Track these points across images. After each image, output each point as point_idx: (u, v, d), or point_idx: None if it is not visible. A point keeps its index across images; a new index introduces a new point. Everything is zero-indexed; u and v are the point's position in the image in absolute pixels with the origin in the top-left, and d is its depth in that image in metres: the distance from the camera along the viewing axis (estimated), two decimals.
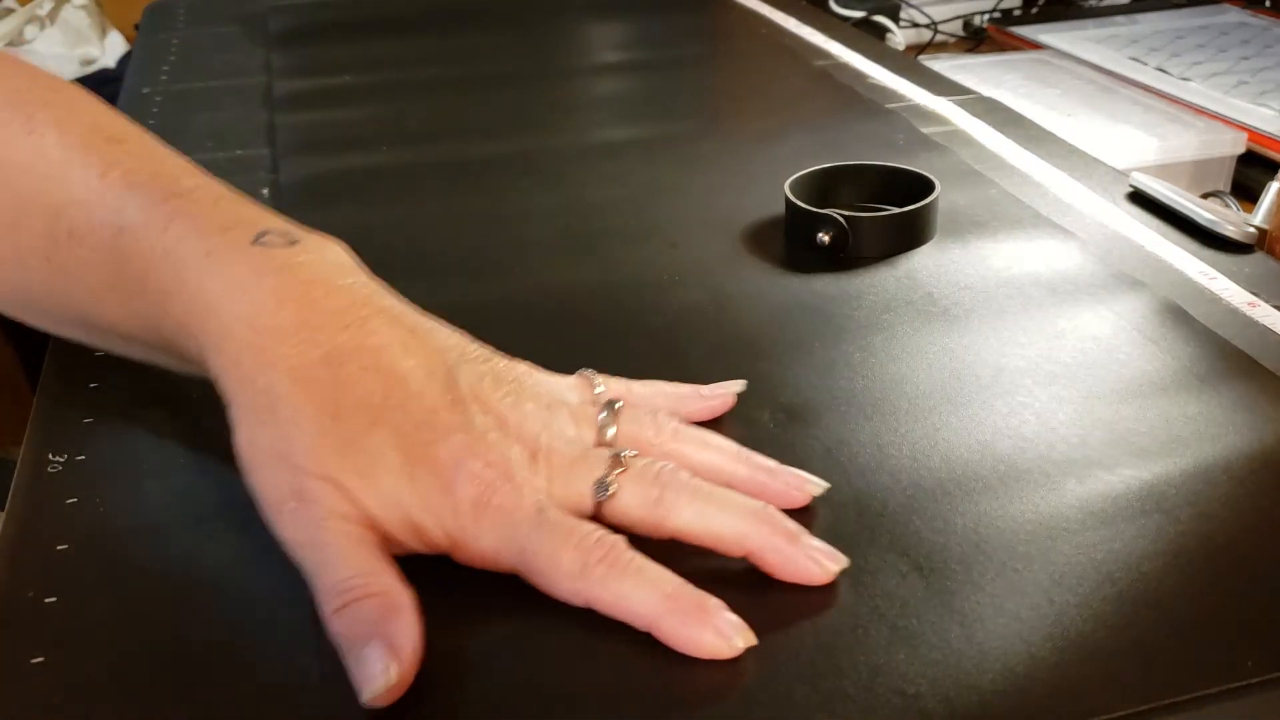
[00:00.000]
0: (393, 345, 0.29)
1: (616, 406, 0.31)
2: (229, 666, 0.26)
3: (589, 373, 0.33)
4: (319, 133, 0.59)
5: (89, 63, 1.15)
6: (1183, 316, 0.39)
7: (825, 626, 0.26)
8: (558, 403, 0.31)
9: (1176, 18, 0.97)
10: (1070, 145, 0.55)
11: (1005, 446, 0.32)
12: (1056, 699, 0.24)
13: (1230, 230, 0.44)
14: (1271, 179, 0.49)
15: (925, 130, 0.57)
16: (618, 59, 0.73)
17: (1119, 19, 0.97)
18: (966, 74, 0.81)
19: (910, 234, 0.45)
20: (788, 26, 0.76)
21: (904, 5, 0.97)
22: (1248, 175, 0.73)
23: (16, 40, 1.14)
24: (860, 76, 0.65)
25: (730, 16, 0.80)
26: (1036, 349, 0.37)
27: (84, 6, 1.17)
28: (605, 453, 0.29)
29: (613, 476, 0.29)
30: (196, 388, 0.37)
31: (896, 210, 0.45)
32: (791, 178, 0.46)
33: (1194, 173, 0.72)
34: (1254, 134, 0.72)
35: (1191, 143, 0.72)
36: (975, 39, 0.99)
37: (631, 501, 0.28)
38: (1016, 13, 1.01)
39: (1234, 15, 0.97)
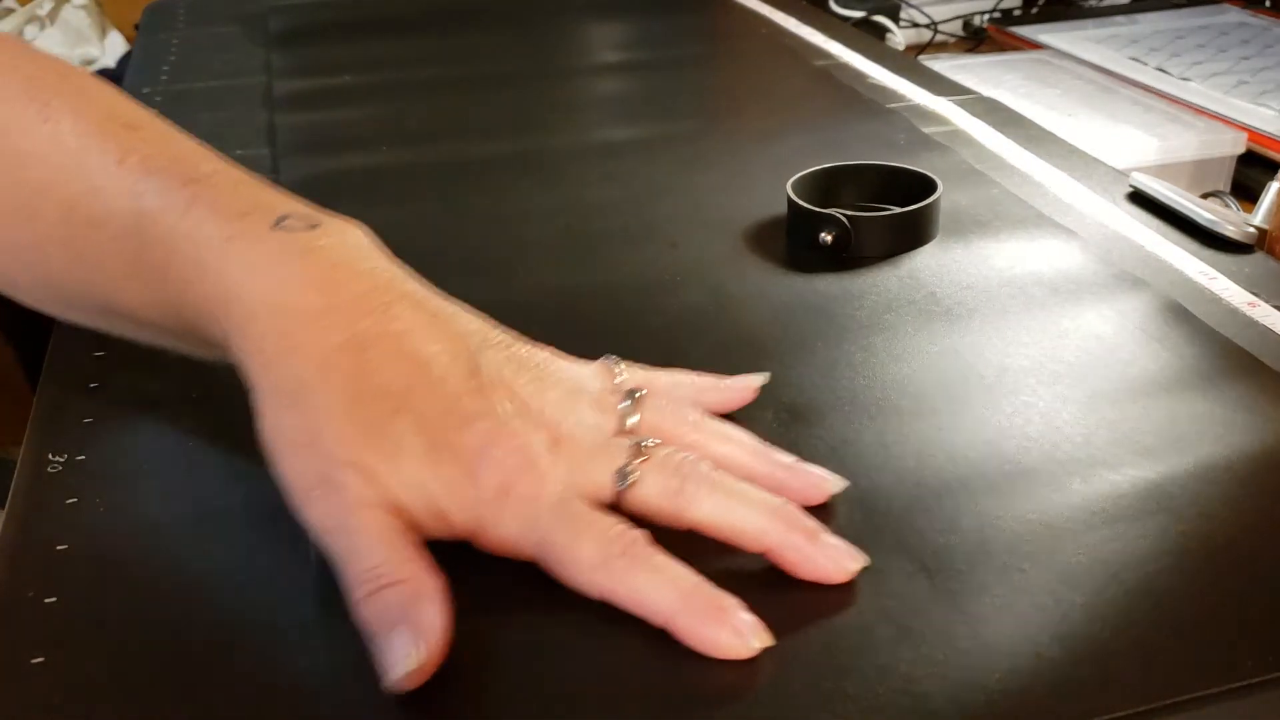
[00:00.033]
0: (416, 331, 0.29)
1: (638, 395, 0.31)
2: (229, 666, 0.26)
3: (611, 359, 0.33)
4: (319, 133, 0.59)
5: (89, 63, 1.15)
6: (1185, 316, 0.39)
7: (831, 626, 0.26)
8: (579, 390, 0.31)
9: (1176, 18, 0.97)
10: (1070, 145, 0.55)
11: (1010, 446, 0.32)
12: (1063, 698, 0.24)
13: (1230, 230, 0.44)
14: (1271, 179, 0.49)
15: (925, 130, 0.57)
16: (618, 59, 0.73)
17: (1119, 19, 0.97)
18: (966, 74, 0.81)
19: (912, 234, 0.45)
20: (788, 26, 0.76)
21: (904, 5, 0.97)
22: (1248, 175, 0.73)
23: None
24: (860, 76, 0.65)
25: (730, 16, 0.80)
26: (1040, 348, 0.37)
27: (84, 6, 1.17)
28: (626, 441, 0.29)
29: (634, 465, 0.29)
30: (196, 388, 0.37)
31: (899, 210, 0.45)
32: (793, 177, 0.46)
33: (1194, 173, 0.72)
34: (1254, 134, 0.72)
35: (1191, 143, 0.72)
36: (975, 39, 0.98)
37: (652, 491, 0.28)
38: (1016, 13, 1.01)
39: (1234, 15, 0.97)
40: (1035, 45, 0.92)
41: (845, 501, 0.30)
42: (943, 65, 0.82)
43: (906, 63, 0.69)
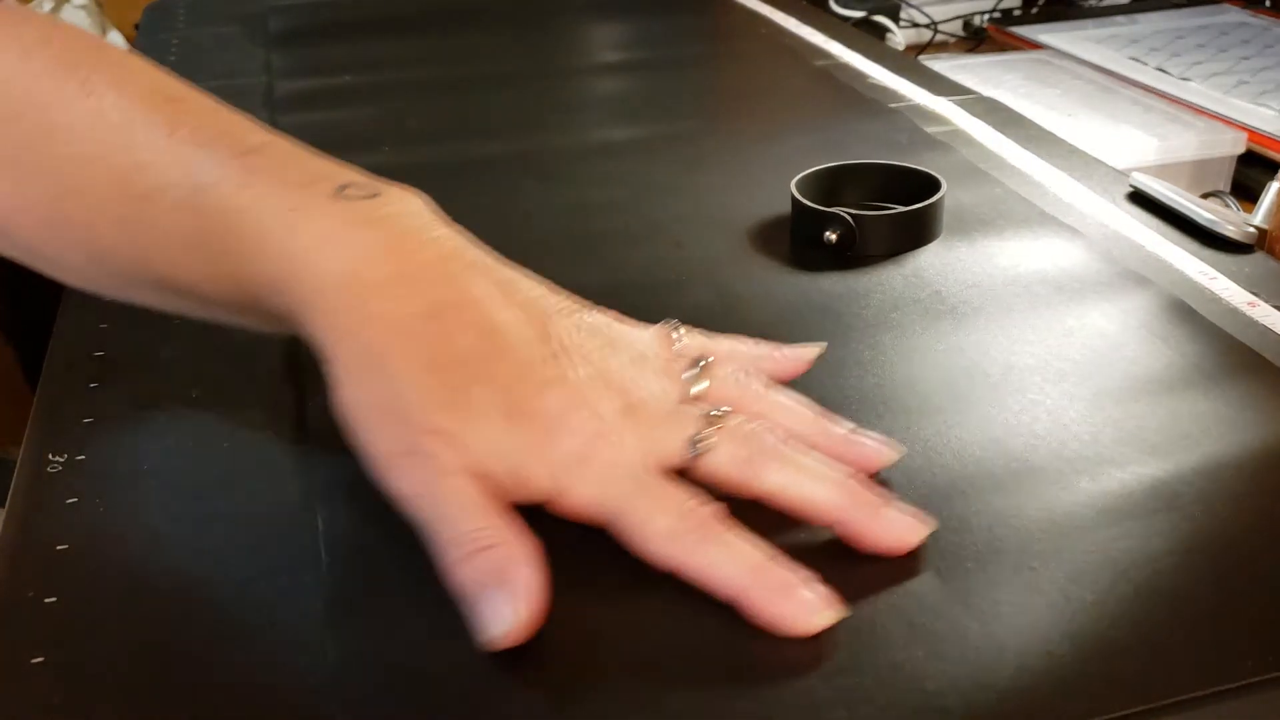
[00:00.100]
0: (488, 298, 0.29)
1: (703, 363, 0.31)
2: (229, 666, 0.26)
3: (671, 323, 0.33)
4: (319, 133, 0.58)
5: None
6: (1189, 314, 0.39)
7: (843, 623, 0.26)
8: (644, 356, 0.31)
9: (1176, 18, 0.97)
10: (1070, 145, 0.55)
11: (1017, 444, 0.32)
12: (1073, 696, 0.24)
13: (1230, 230, 0.44)
14: (1271, 179, 0.49)
15: (925, 130, 0.56)
16: (618, 59, 0.73)
17: (1119, 19, 0.97)
18: (966, 74, 0.81)
19: (917, 232, 0.45)
20: (788, 26, 0.75)
21: (904, 5, 0.97)
22: (1248, 175, 0.73)
23: None
24: (860, 76, 0.65)
25: (730, 16, 0.80)
26: (1045, 346, 0.37)
27: (84, 6, 1.16)
28: (697, 410, 0.30)
29: (706, 434, 0.29)
30: (197, 387, 0.37)
31: (903, 209, 0.45)
32: (797, 177, 0.46)
33: (1194, 173, 0.72)
34: (1254, 134, 0.72)
35: (1191, 143, 0.72)
36: (975, 39, 0.99)
37: (723, 460, 0.29)
38: (1016, 13, 1.01)
39: (1234, 15, 0.98)
40: (1035, 45, 0.92)
41: None
42: (943, 65, 0.82)
43: (907, 63, 0.69)
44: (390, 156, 0.55)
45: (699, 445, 0.29)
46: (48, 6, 1.15)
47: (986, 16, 0.99)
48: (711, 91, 0.68)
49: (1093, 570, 0.27)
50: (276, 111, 0.61)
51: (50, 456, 0.33)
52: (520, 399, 0.28)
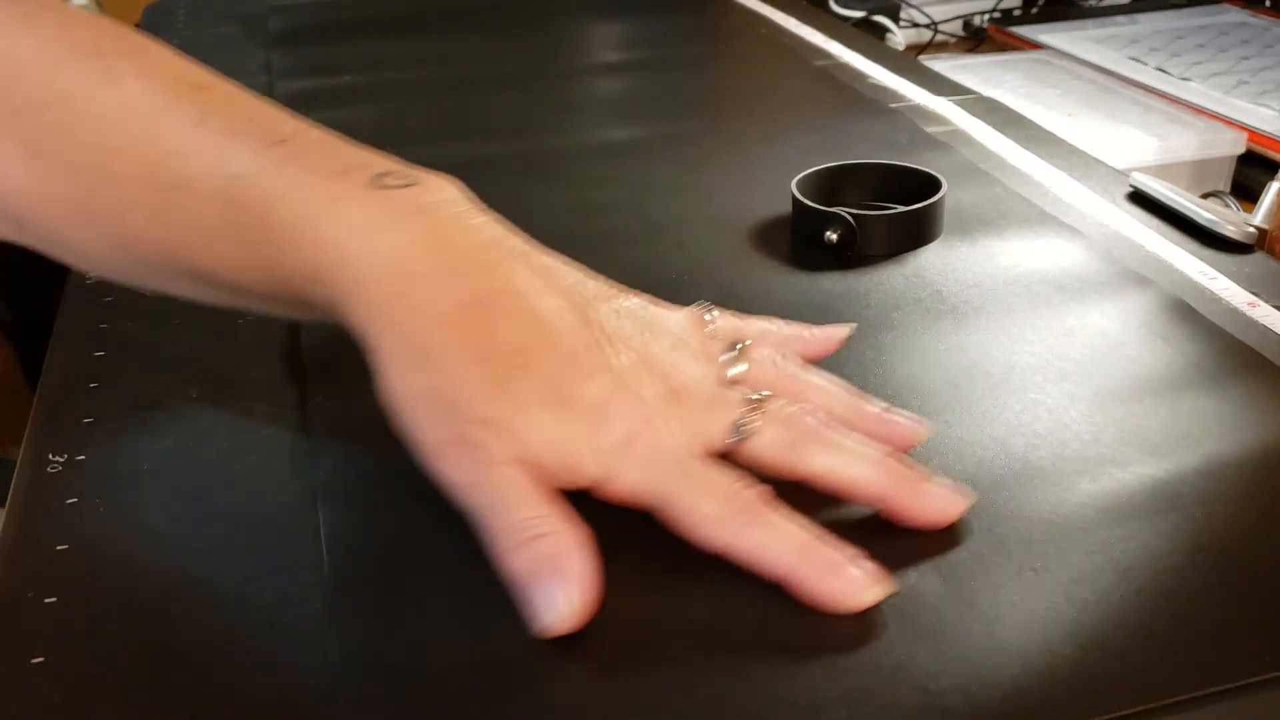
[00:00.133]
0: (531, 287, 0.30)
1: (740, 346, 0.32)
2: (229, 666, 0.26)
3: (703, 305, 0.34)
4: None
5: None
6: (1189, 313, 0.39)
7: (846, 622, 0.26)
8: (682, 340, 0.32)
9: (1176, 18, 0.97)
10: (1070, 145, 0.55)
11: (1019, 444, 0.32)
12: (1076, 695, 0.24)
13: (1230, 230, 0.44)
14: (1272, 179, 0.49)
15: (925, 130, 0.56)
16: (618, 59, 0.73)
17: (1119, 19, 0.97)
18: (966, 74, 0.81)
19: (917, 232, 0.45)
20: (788, 26, 0.75)
21: (904, 5, 0.97)
22: (1248, 175, 0.73)
23: None
24: (860, 76, 0.65)
25: (730, 16, 0.80)
26: (1046, 346, 0.37)
27: (84, 6, 1.16)
28: (738, 394, 0.30)
29: (749, 419, 0.29)
30: (196, 387, 0.37)
31: (904, 208, 0.45)
32: (798, 176, 0.46)
33: (1194, 173, 0.72)
34: (1254, 134, 0.72)
35: (1191, 143, 0.72)
36: (975, 39, 0.99)
37: (766, 444, 0.29)
38: (1016, 13, 1.01)
39: (1234, 15, 0.98)
40: (1035, 45, 0.92)
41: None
42: (943, 65, 0.82)
43: (907, 63, 0.69)
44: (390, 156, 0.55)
45: (742, 430, 0.29)
46: None
47: (986, 16, 0.99)
48: (711, 91, 0.68)
49: (1094, 570, 0.27)
50: None
51: (50, 456, 0.33)
52: (566, 387, 0.29)
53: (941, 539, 0.29)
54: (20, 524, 0.31)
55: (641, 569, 0.28)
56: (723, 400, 0.30)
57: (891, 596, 0.27)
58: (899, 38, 0.95)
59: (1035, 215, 0.47)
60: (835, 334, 0.36)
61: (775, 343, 0.34)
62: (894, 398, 0.35)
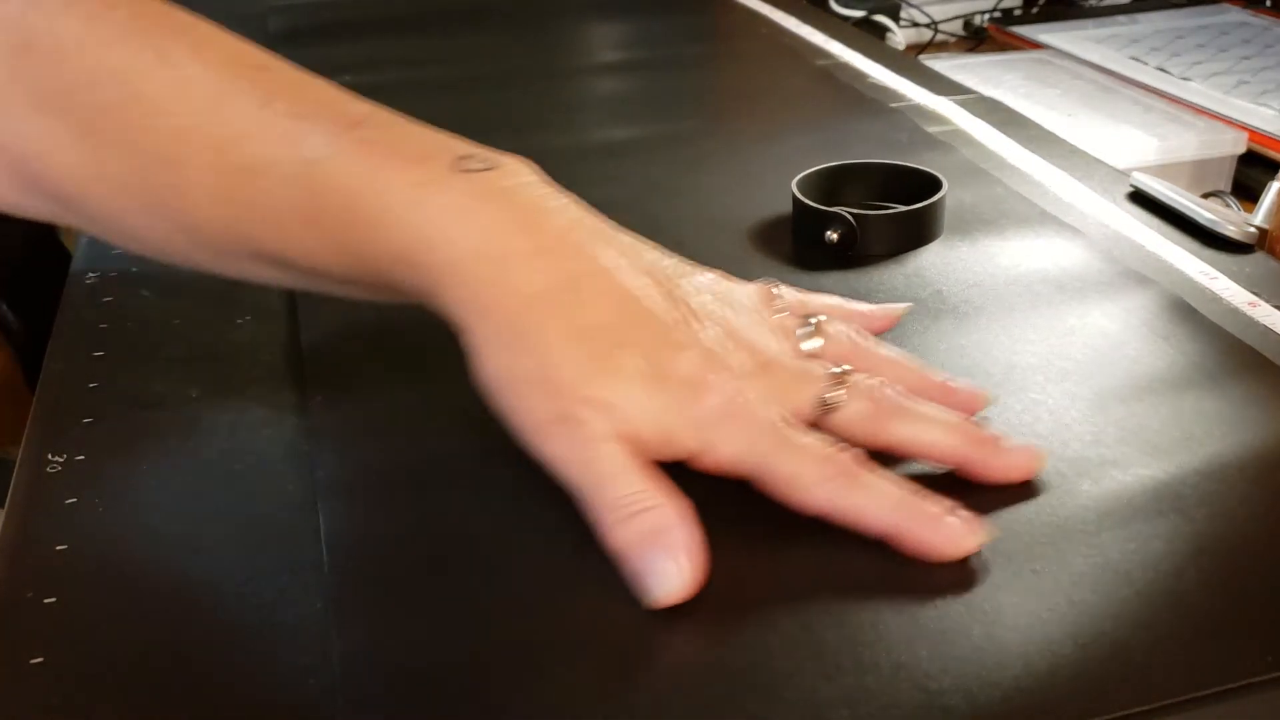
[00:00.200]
0: (618, 266, 0.31)
1: (815, 322, 0.33)
2: (229, 666, 0.26)
3: (770, 281, 0.35)
4: None
5: None
6: (1190, 313, 0.39)
7: (847, 622, 0.26)
8: (758, 314, 0.33)
9: (1177, 17, 0.97)
10: (1071, 145, 0.55)
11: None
12: (1076, 695, 0.24)
13: (1231, 230, 0.44)
14: (1272, 179, 0.49)
15: (926, 130, 0.56)
16: (618, 59, 0.73)
17: (1119, 19, 0.97)
18: (967, 74, 0.81)
19: (918, 232, 0.44)
20: (788, 26, 0.75)
21: (904, 5, 0.97)
22: (1248, 175, 0.73)
23: None
24: (861, 76, 0.65)
25: (731, 16, 0.80)
26: (1047, 345, 0.37)
27: None
28: (822, 367, 0.31)
29: (834, 393, 0.30)
30: (196, 387, 0.37)
31: (905, 208, 0.45)
32: (798, 176, 0.46)
33: (1194, 173, 0.72)
34: (1254, 134, 0.72)
35: (1192, 143, 0.72)
36: (975, 39, 0.99)
37: (851, 416, 0.30)
38: (1017, 12, 1.01)
39: (1234, 15, 0.98)
40: (1035, 45, 0.92)
41: None
42: (943, 65, 0.82)
43: (907, 62, 0.69)
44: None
45: (829, 403, 0.30)
46: None
47: (987, 16, 0.99)
48: (712, 91, 0.68)
49: (1094, 571, 0.27)
50: None
51: (50, 456, 0.33)
52: (661, 362, 0.29)
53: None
54: (20, 524, 0.31)
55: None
56: (808, 374, 0.31)
57: (892, 596, 0.27)
58: (899, 37, 0.95)
59: (1036, 215, 0.47)
60: (893, 311, 0.38)
61: (842, 318, 0.35)
62: None
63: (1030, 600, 0.27)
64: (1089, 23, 0.96)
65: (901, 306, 0.38)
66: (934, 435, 0.31)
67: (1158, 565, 0.28)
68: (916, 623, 0.26)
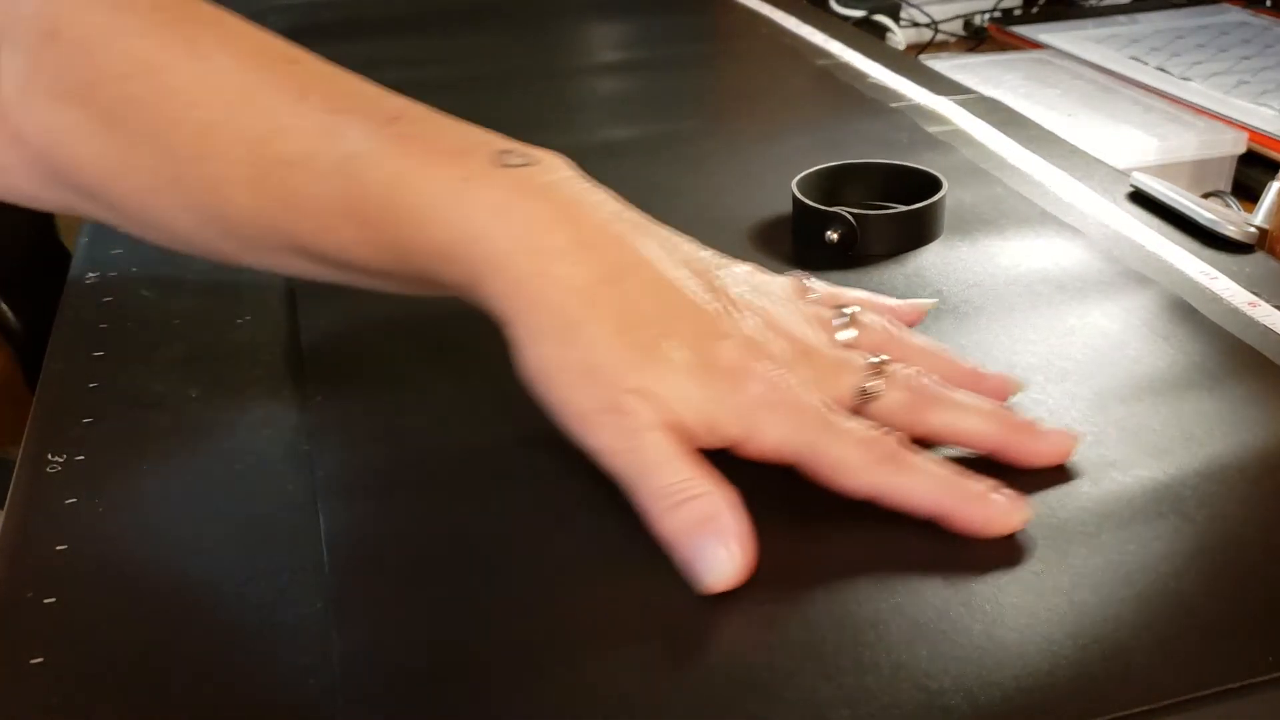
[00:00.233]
0: (658, 258, 0.31)
1: (849, 312, 0.34)
2: (229, 666, 0.26)
3: (801, 275, 0.36)
4: None
5: None
6: (1191, 313, 0.39)
7: (848, 623, 0.26)
8: (795, 305, 0.33)
9: (1177, 17, 0.97)
10: (1071, 145, 0.55)
11: None
12: (1077, 695, 0.24)
13: (1231, 230, 0.44)
14: (1272, 179, 0.49)
15: (926, 130, 0.56)
16: (618, 59, 0.73)
17: (1119, 19, 0.97)
18: (967, 73, 0.81)
19: (918, 232, 0.44)
20: (788, 26, 0.75)
21: (904, 4, 0.97)
22: (1248, 175, 0.73)
23: None
24: (861, 76, 0.65)
25: (731, 16, 0.80)
26: (1047, 345, 0.37)
27: None
28: (861, 357, 0.32)
29: (873, 382, 0.31)
30: (196, 387, 0.37)
31: (904, 208, 0.45)
32: (798, 176, 0.46)
33: (1194, 173, 0.72)
34: (1254, 134, 0.73)
35: (1192, 143, 0.72)
36: (976, 38, 0.99)
37: (890, 405, 0.31)
38: (1017, 12, 1.01)
39: (1234, 15, 0.98)
40: (1035, 45, 0.92)
41: (856, 500, 0.30)
42: (943, 65, 0.82)
43: (907, 62, 0.69)
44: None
45: (869, 392, 0.31)
46: None
47: (987, 16, 0.99)
48: (712, 91, 0.68)
49: (1095, 572, 0.27)
50: None
51: (50, 456, 0.33)
52: (704, 351, 0.30)
53: (943, 539, 0.29)
54: (20, 524, 0.31)
55: (639, 567, 0.28)
56: (848, 363, 0.31)
57: (893, 596, 0.27)
58: (899, 37, 0.95)
59: (1036, 215, 0.47)
60: (921, 305, 0.38)
61: (875, 310, 0.35)
62: None
63: (1030, 600, 0.27)
64: (1089, 23, 0.96)
65: (928, 301, 0.39)
66: (971, 422, 0.31)
67: (1158, 566, 0.28)
68: (916, 623, 0.26)
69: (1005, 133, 0.56)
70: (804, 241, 0.45)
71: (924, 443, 0.31)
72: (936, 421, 0.31)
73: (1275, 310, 0.39)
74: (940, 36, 0.98)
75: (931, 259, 0.43)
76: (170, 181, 0.33)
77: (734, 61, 0.73)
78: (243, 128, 0.32)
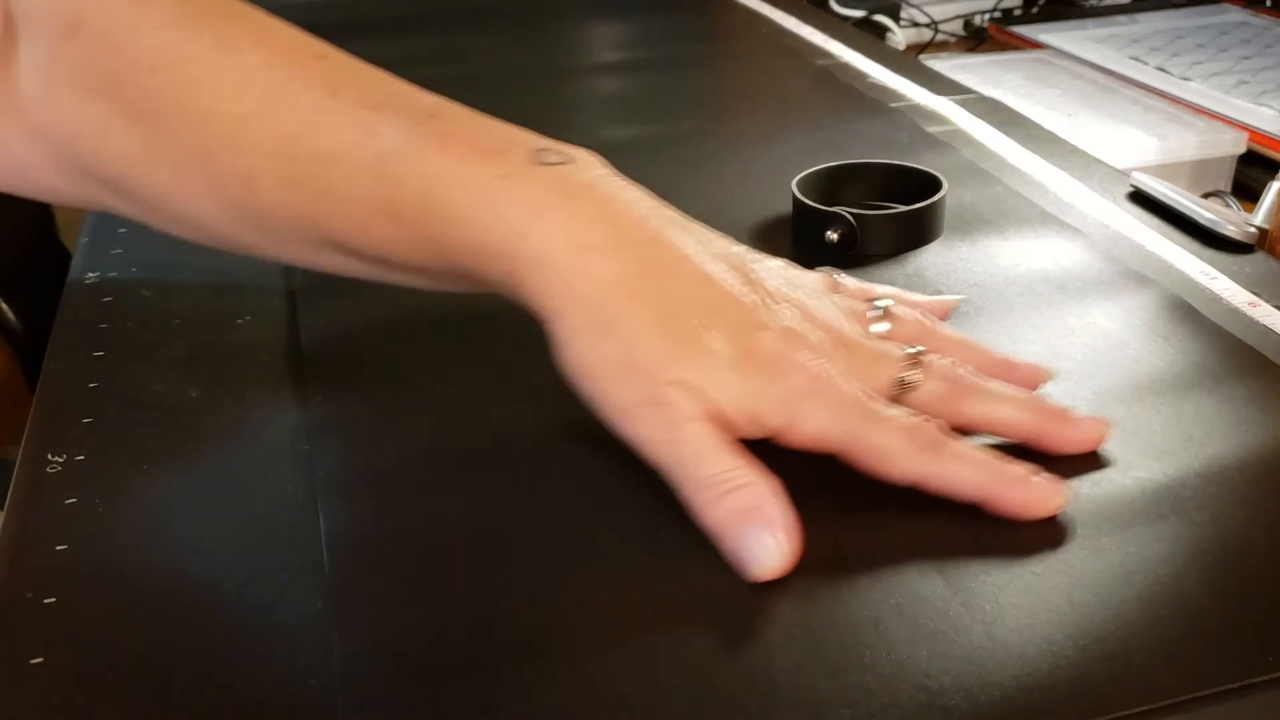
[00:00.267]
0: (695, 253, 0.31)
1: (882, 305, 0.34)
2: (229, 666, 0.26)
3: (831, 271, 0.36)
4: None
5: None
6: (1191, 313, 0.39)
7: (848, 623, 0.26)
8: (828, 298, 0.34)
9: (1177, 17, 0.97)
10: (1071, 145, 0.55)
11: (1020, 445, 0.32)
12: (1077, 695, 0.24)
13: (1231, 230, 0.44)
14: (1272, 179, 0.49)
15: (926, 130, 0.56)
16: (618, 59, 0.73)
17: (1119, 18, 0.97)
18: (967, 74, 0.81)
19: (918, 232, 0.44)
20: (788, 26, 0.75)
21: (904, 4, 0.97)
22: (1248, 175, 0.73)
23: None
24: (861, 76, 0.65)
25: (731, 16, 0.80)
26: (1047, 345, 0.37)
27: None
28: (898, 349, 0.32)
29: (911, 373, 0.31)
30: (196, 387, 0.37)
31: (904, 208, 0.45)
32: (798, 176, 0.46)
33: (1194, 173, 0.72)
34: (1254, 134, 0.72)
35: (1192, 142, 0.72)
36: (976, 38, 0.99)
37: (927, 396, 0.31)
38: (1017, 12, 1.01)
39: (1234, 15, 0.98)
40: (1036, 45, 0.92)
41: (856, 500, 0.30)
42: (943, 65, 0.82)
43: (907, 62, 0.69)
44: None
45: (907, 383, 0.31)
46: None
47: (987, 16, 0.99)
48: (712, 91, 0.68)
49: (1095, 573, 0.27)
50: None
51: (50, 456, 0.33)
52: (745, 343, 0.30)
53: (943, 540, 0.29)
54: (20, 524, 0.31)
55: (640, 567, 0.28)
56: (885, 354, 0.32)
57: (893, 596, 0.27)
58: (899, 37, 0.95)
59: (1036, 215, 0.47)
60: (949, 301, 0.39)
61: (905, 304, 0.35)
62: None
63: (1030, 600, 0.27)
64: (1089, 23, 0.96)
65: (955, 298, 0.39)
66: (1006, 412, 0.31)
67: (1158, 566, 0.28)
68: (917, 623, 0.26)
69: (1005, 133, 0.56)
70: (804, 241, 0.45)
71: (958, 432, 0.31)
72: (972, 411, 0.31)
73: (1275, 310, 0.39)
74: (940, 36, 0.98)
75: (931, 259, 0.43)
76: (199, 174, 0.33)
77: (734, 61, 0.73)
78: (275, 122, 0.32)
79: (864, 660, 0.25)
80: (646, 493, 0.30)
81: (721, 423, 0.29)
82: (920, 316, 0.35)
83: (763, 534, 0.27)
